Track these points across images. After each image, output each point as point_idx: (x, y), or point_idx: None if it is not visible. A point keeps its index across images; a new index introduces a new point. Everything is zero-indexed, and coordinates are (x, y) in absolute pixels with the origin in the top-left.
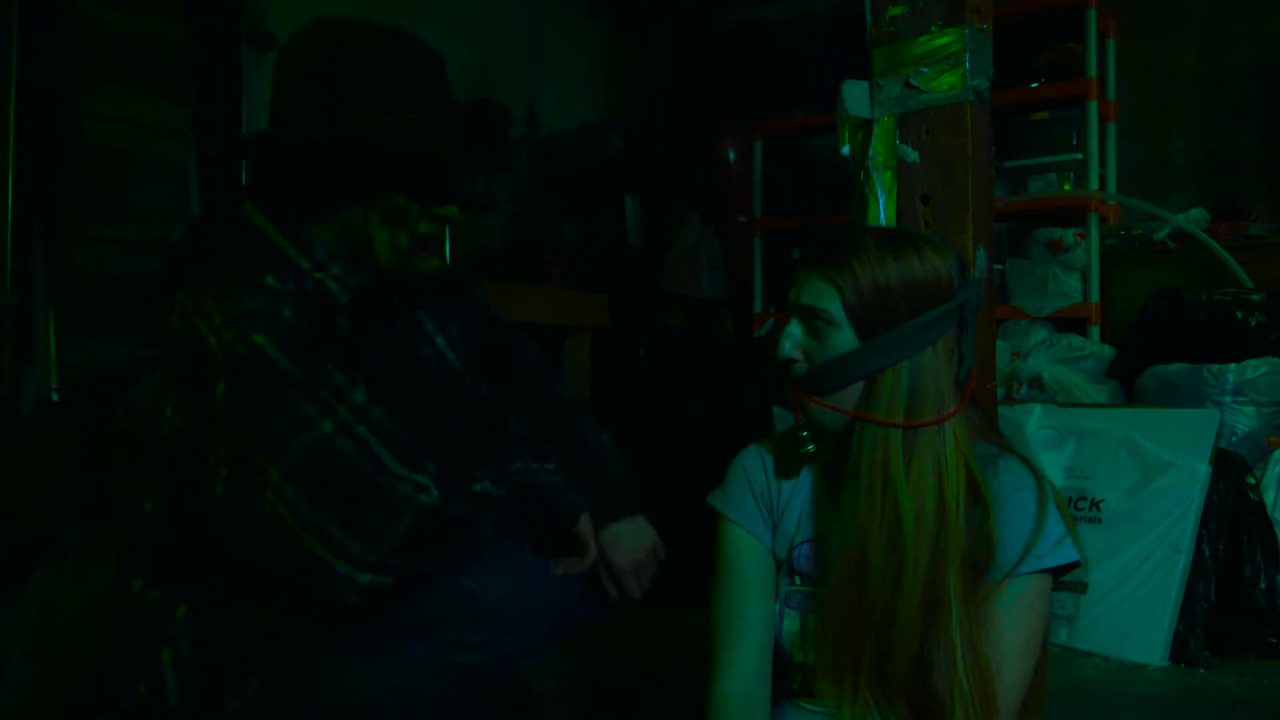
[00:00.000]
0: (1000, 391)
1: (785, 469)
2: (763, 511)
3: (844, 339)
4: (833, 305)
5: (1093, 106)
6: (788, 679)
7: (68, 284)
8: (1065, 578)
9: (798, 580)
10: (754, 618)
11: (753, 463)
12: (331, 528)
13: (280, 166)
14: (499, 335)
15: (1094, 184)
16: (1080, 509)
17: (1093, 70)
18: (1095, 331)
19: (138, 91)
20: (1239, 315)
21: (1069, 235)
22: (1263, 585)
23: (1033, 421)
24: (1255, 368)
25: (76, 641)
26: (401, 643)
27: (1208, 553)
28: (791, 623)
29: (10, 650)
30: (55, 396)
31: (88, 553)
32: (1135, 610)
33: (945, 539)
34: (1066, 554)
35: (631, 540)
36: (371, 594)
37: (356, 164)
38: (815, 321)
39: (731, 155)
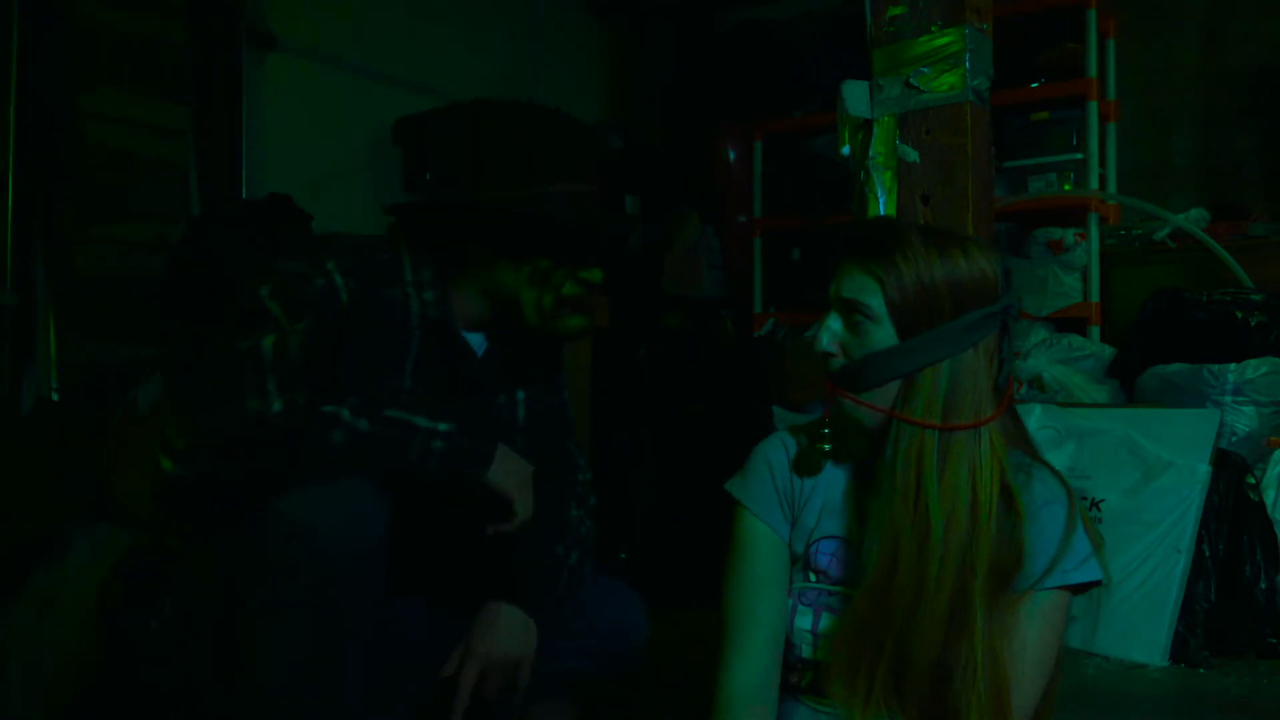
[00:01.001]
0: None
1: (809, 463)
2: (783, 504)
3: (884, 335)
4: (874, 300)
5: (1093, 106)
6: (796, 675)
7: (68, 284)
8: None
9: (813, 577)
10: (766, 612)
11: (776, 453)
12: (173, 413)
13: (444, 228)
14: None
15: (1094, 184)
16: None
17: (1093, 70)
18: (1095, 331)
19: (138, 91)
20: (1239, 315)
21: (1069, 235)
22: (1263, 585)
23: (1033, 421)
24: (1255, 368)
25: (76, 641)
26: (254, 585)
27: (1208, 553)
28: (804, 619)
29: (10, 650)
30: (55, 396)
31: (88, 553)
32: (1135, 610)
33: (975, 546)
34: (1091, 572)
35: (508, 630)
36: (177, 486)
37: (509, 229)
38: (855, 316)
39: (731, 155)
